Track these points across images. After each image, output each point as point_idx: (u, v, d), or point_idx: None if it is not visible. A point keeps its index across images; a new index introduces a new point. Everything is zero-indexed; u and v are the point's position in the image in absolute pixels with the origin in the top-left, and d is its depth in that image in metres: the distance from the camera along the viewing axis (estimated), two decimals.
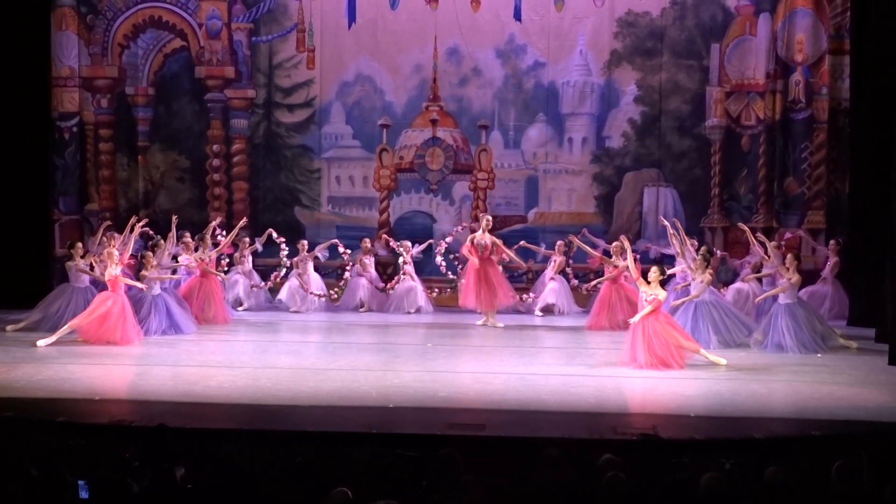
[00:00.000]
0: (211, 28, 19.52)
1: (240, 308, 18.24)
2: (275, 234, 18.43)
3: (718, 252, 18.16)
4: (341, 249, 18.60)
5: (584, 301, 18.24)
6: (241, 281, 18.46)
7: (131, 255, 16.22)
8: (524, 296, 18.44)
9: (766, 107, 19.06)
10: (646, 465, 8.12)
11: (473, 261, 17.07)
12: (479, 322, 17.20)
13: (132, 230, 16.74)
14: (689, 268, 15.52)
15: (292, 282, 18.39)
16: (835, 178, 18.76)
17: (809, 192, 18.88)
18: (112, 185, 19.62)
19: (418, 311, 18.20)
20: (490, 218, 17.49)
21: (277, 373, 13.10)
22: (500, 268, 17.68)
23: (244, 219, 18.43)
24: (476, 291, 17.10)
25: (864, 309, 16.48)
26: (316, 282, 18.50)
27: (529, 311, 18.28)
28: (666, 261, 17.09)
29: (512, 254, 17.62)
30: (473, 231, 18.95)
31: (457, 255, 18.35)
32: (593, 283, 17.54)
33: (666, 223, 16.95)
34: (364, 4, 19.45)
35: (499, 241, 17.35)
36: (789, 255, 15.23)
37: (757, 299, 15.89)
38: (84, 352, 14.34)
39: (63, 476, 7.12)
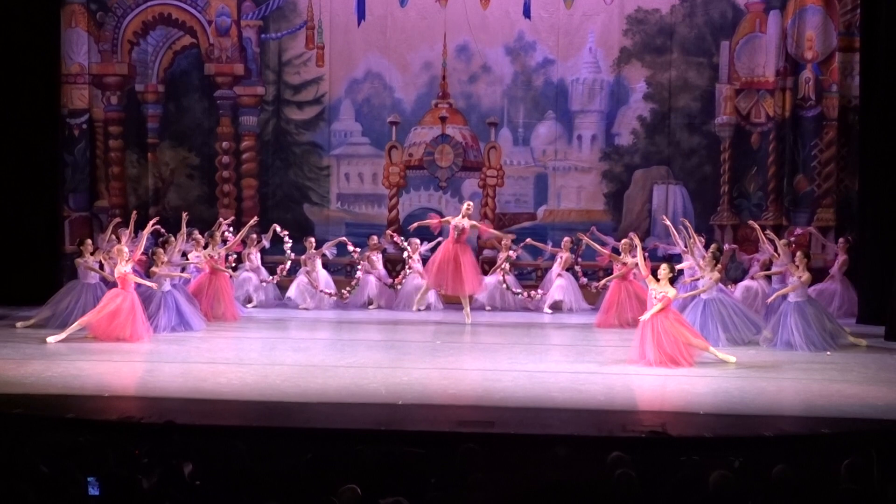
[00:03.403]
0: (220, 25, 19.54)
1: (249, 305, 18.26)
2: (279, 229, 18.44)
3: (727, 246, 18.16)
4: (350, 248, 18.57)
5: (593, 298, 18.22)
6: (251, 278, 18.49)
7: (142, 252, 16.23)
8: (533, 293, 18.44)
9: (776, 104, 19.03)
10: (655, 462, 8.12)
11: (432, 223, 17.58)
12: (414, 308, 17.51)
13: (138, 227, 16.83)
14: (697, 265, 15.50)
15: (301, 279, 18.40)
16: (844, 175, 18.73)
17: (819, 190, 18.84)
18: (122, 182, 19.66)
19: (427, 308, 18.19)
20: (471, 204, 17.43)
21: (286, 370, 13.11)
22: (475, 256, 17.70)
23: (255, 217, 18.47)
24: (442, 271, 17.01)
25: (874, 307, 16.45)
26: (324, 279, 18.50)
27: (538, 309, 18.28)
28: (673, 259, 17.05)
29: (492, 230, 17.77)
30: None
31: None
32: (603, 281, 17.54)
33: (667, 222, 16.99)
34: (373, 1, 19.47)
35: (477, 224, 17.43)
36: (799, 253, 15.20)
37: (769, 299, 15.84)
38: (94, 348, 14.37)
39: (72, 473, 7.14)
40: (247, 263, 18.53)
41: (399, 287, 18.57)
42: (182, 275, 16.67)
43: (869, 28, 17.43)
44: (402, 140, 19.67)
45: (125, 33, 19.56)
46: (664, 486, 7.31)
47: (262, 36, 19.64)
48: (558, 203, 19.54)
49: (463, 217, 17.08)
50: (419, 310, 17.65)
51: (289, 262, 18.56)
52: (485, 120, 19.61)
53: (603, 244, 17.88)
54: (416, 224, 17.74)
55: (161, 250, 15.97)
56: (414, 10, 19.47)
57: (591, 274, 18.58)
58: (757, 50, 19.14)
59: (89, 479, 7.08)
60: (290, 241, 18.48)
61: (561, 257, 18.35)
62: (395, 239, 18.78)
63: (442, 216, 18.65)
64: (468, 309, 17.21)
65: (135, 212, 17.74)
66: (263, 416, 10.90)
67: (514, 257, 18.48)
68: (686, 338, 13.49)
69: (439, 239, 18.62)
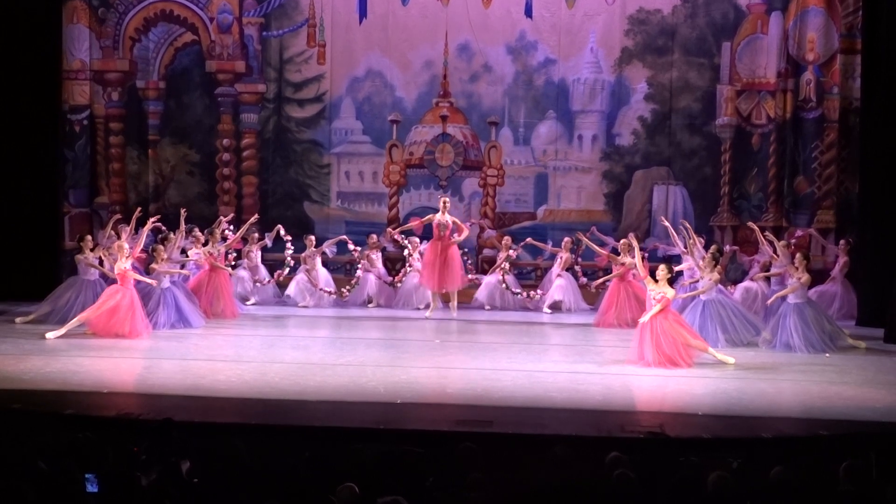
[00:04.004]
0: (222, 22, 19.54)
1: (247, 303, 18.25)
2: (283, 231, 18.44)
3: (728, 247, 18.15)
4: (351, 247, 18.55)
5: (592, 298, 18.22)
6: (245, 277, 18.44)
7: (142, 249, 16.23)
8: (532, 293, 18.44)
9: (777, 105, 19.02)
10: (653, 463, 8.12)
11: (414, 231, 18.02)
12: (427, 314, 17.40)
13: (139, 223, 16.85)
14: (696, 266, 15.51)
15: (300, 277, 18.39)
16: (845, 177, 18.72)
17: (819, 192, 18.84)
18: (122, 179, 19.65)
19: (427, 306, 18.18)
20: (447, 200, 17.75)
21: (285, 367, 13.12)
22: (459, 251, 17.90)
23: (255, 215, 18.50)
24: (432, 271, 17.34)
25: (874, 309, 16.45)
26: (324, 277, 18.49)
27: (538, 309, 18.28)
28: (672, 260, 17.04)
29: (465, 228, 17.86)
30: (483, 228, 19.01)
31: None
32: (601, 280, 17.54)
33: (666, 223, 17.02)
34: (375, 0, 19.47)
35: (458, 220, 17.65)
36: (798, 255, 15.21)
37: (769, 301, 15.80)
38: (93, 345, 14.37)
39: (71, 469, 7.13)
40: (245, 261, 18.52)
41: (399, 285, 18.57)
42: (181, 271, 16.67)
43: (870, 30, 17.43)
44: (403, 139, 19.66)
45: (126, 30, 19.55)
46: (662, 487, 7.31)
47: (264, 33, 19.63)
48: (558, 203, 19.53)
49: (443, 214, 17.32)
50: (428, 317, 17.54)
51: (287, 269, 18.55)
52: (485, 119, 19.60)
53: (603, 244, 17.91)
54: (399, 228, 18.34)
55: (161, 247, 15.95)
56: (415, 8, 19.46)
57: (590, 274, 18.56)
58: (758, 51, 19.13)
59: (87, 476, 7.08)
60: (292, 247, 18.47)
61: (561, 257, 18.34)
62: (395, 237, 18.76)
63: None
64: (455, 302, 17.54)
65: (138, 209, 17.73)
66: (262, 413, 10.89)
67: (514, 256, 18.47)
68: (685, 339, 13.49)
69: None
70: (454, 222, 17.49)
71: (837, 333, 15.09)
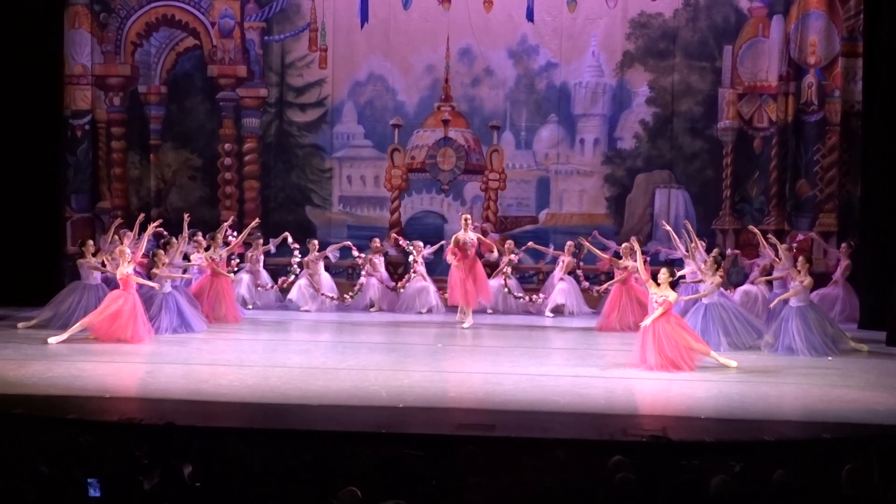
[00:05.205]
0: (223, 27, 19.55)
1: (248, 307, 18.23)
2: (290, 239, 18.42)
3: (730, 250, 18.16)
4: (355, 253, 18.54)
5: (594, 302, 18.23)
6: (243, 279, 18.40)
7: (143, 254, 16.23)
8: (534, 296, 18.44)
9: (779, 109, 19.03)
10: (655, 466, 8.11)
11: (454, 264, 17.07)
12: (466, 325, 16.99)
13: (142, 229, 16.84)
14: (698, 269, 15.50)
15: (303, 282, 18.39)
16: (847, 180, 18.71)
17: (821, 195, 18.83)
18: (124, 184, 19.66)
19: (430, 310, 18.19)
20: (469, 216, 17.50)
21: (287, 372, 13.11)
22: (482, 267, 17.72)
23: (256, 219, 18.47)
24: (466, 289, 17.06)
25: (876, 312, 16.45)
26: (326, 282, 18.49)
27: (540, 313, 18.27)
28: (674, 264, 17.01)
29: (493, 245, 17.92)
30: (484, 232, 19.00)
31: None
32: (604, 285, 17.53)
33: (668, 227, 17.01)
34: (377, 4, 19.46)
35: (482, 237, 17.56)
36: (801, 258, 15.19)
37: (772, 304, 15.78)
38: (95, 349, 14.37)
39: (73, 473, 7.13)
40: (247, 265, 18.52)
41: (402, 290, 18.56)
42: (183, 276, 16.67)
43: (872, 33, 17.44)
44: (405, 143, 19.67)
45: (128, 34, 19.57)
46: (664, 491, 7.30)
47: (266, 38, 19.65)
48: (560, 207, 19.53)
49: (465, 231, 17.12)
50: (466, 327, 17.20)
51: (292, 276, 18.53)
52: (487, 123, 19.61)
53: (605, 248, 17.91)
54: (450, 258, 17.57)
55: (162, 252, 15.97)
56: (417, 12, 19.47)
57: (593, 278, 18.59)
58: (760, 54, 19.14)
59: (90, 480, 7.07)
60: (300, 255, 18.45)
61: (563, 261, 18.34)
62: (400, 242, 18.76)
63: (445, 221, 18.85)
64: (471, 314, 17.31)
65: (141, 214, 17.74)
66: (264, 417, 10.90)
67: (516, 260, 18.48)
68: (687, 342, 13.48)
69: (442, 242, 18.62)
70: (479, 239, 17.35)
71: (839, 336, 15.08)
